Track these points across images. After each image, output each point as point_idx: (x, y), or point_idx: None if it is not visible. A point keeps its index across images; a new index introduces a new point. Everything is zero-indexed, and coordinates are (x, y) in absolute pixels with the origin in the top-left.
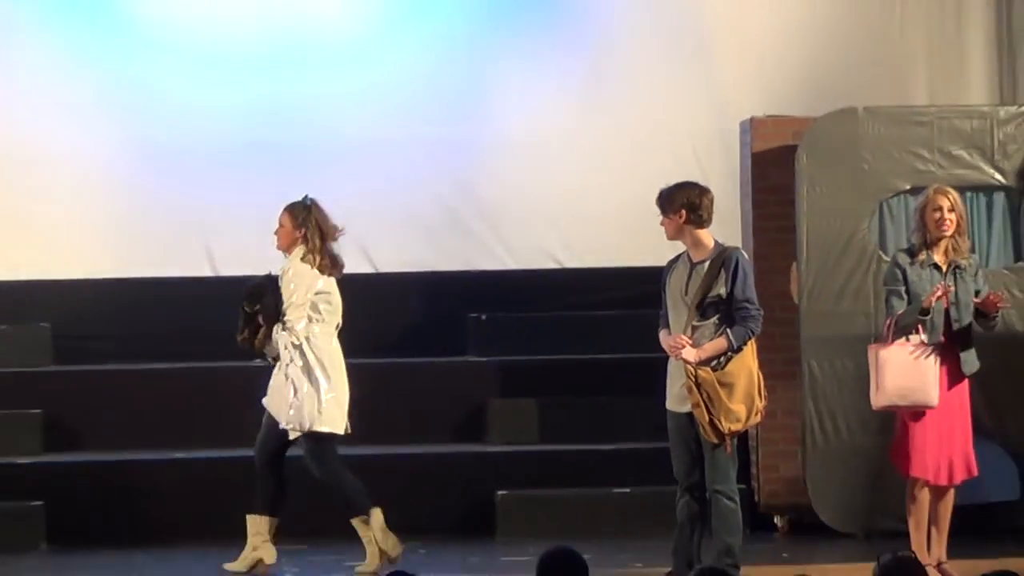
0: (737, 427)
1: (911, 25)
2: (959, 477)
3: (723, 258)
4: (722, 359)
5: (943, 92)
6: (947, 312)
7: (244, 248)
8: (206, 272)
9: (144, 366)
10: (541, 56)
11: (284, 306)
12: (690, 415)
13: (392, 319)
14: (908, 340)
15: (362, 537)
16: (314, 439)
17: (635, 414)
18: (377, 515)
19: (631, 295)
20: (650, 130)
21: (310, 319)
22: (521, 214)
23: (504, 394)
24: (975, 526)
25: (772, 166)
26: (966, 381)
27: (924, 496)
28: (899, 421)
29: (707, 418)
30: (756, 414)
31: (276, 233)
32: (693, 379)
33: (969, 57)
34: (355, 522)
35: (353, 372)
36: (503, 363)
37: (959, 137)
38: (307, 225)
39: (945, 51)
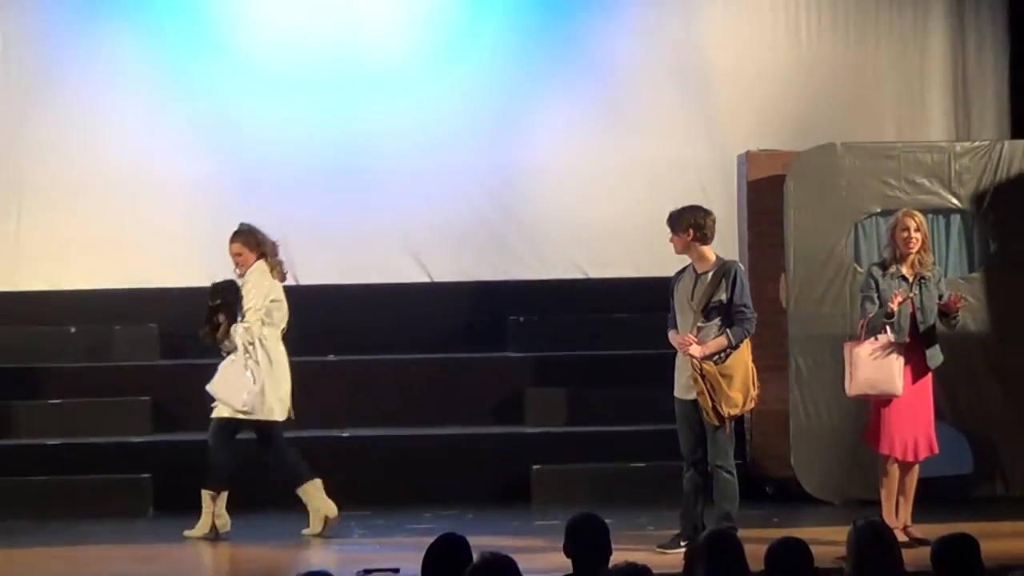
0: (735, 412)
1: (881, 72)
2: (923, 454)
3: (724, 270)
4: (722, 355)
5: (908, 130)
6: (913, 316)
7: (321, 259)
8: (288, 281)
9: None
10: (567, 95)
11: (244, 309)
12: (695, 402)
13: (444, 321)
14: (877, 339)
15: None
16: (266, 424)
17: (648, 401)
18: (318, 484)
19: (645, 301)
20: (661, 160)
21: (263, 322)
22: (552, 231)
23: (538, 384)
24: (936, 496)
25: (764, 192)
26: (930, 373)
27: (894, 470)
28: (872, 407)
29: (710, 404)
30: (751, 401)
31: (236, 259)
32: (698, 371)
33: (930, 100)
34: (299, 491)
35: (411, 366)
36: (537, 358)
37: (922, 168)
38: (261, 246)
39: (910, 95)
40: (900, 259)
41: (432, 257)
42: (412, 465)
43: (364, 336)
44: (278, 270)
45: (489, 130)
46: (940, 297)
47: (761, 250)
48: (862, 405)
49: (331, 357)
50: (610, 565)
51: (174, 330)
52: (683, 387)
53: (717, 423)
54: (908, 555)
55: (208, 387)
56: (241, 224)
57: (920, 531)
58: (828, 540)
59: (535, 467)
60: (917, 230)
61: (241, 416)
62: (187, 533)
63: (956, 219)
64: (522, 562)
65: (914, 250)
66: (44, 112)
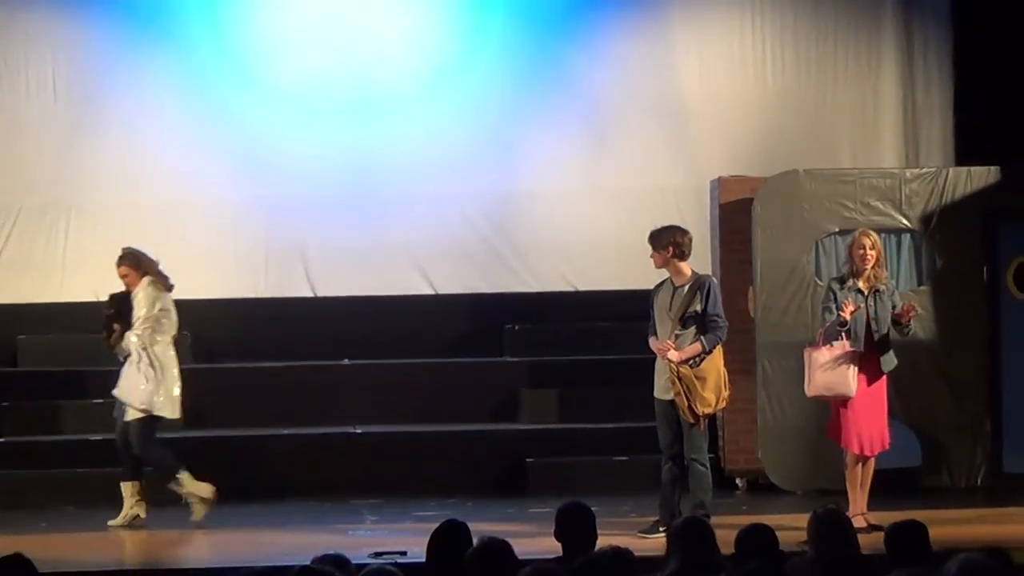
0: (708, 411)
1: (839, 106)
2: (876, 449)
3: (699, 283)
4: (697, 359)
5: (863, 157)
6: (868, 325)
7: (336, 273)
8: (307, 293)
9: (258, 364)
10: (557, 127)
11: (135, 318)
12: (672, 401)
13: (447, 329)
14: (833, 346)
15: (180, 493)
16: (148, 420)
17: (631, 401)
18: (186, 475)
19: (627, 311)
20: (641, 185)
21: (154, 330)
22: (544, 249)
23: (532, 385)
24: (888, 486)
25: (735, 213)
26: (884, 377)
27: (853, 463)
28: (832, 406)
29: (686, 404)
30: (722, 401)
31: (124, 280)
32: (675, 374)
33: (883, 130)
34: (171, 485)
35: (417, 370)
36: (531, 362)
37: (875, 192)
38: (142, 266)
39: (865, 126)
40: (857, 274)
41: (436, 272)
42: (418, 458)
43: (375, 342)
44: (162, 283)
45: (487, 158)
46: (894, 307)
47: (732, 266)
48: (822, 405)
49: (346, 361)
50: (596, 548)
51: (204, 337)
52: (662, 388)
53: (692, 421)
54: (863, 540)
55: (114, 392)
56: (123, 249)
57: (874, 518)
58: (792, 526)
59: (529, 460)
60: (872, 248)
61: (155, 414)
62: (111, 523)
63: (906, 238)
64: (517, 546)
65: (869, 266)
66: (90, 140)
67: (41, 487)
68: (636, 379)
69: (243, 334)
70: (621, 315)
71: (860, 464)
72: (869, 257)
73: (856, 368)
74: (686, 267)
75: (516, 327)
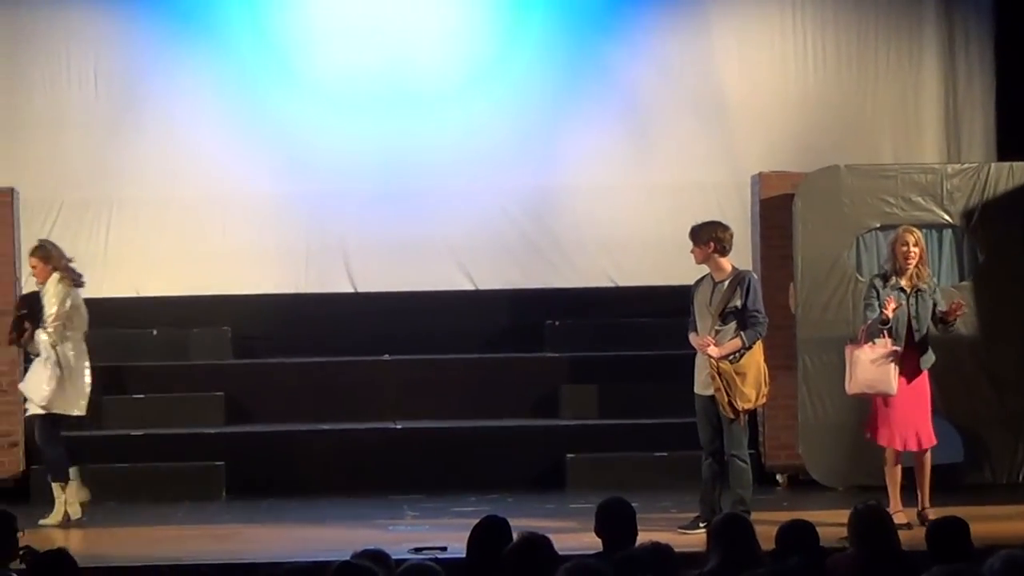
0: (748, 406)
1: (880, 101)
2: (925, 445)
3: (739, 278)
4: (737, 355)
5: (904, 153)
6: (910, 324)
7: (377, 269)
8: (347, 288)
9: (298, 359)
10: (598, 122)
11: (45, 316)
12: (712, 397)
13: (487, 324)
14: (875, 343)
15: (56, 497)
16: (50, 418)
17: (671, 396)
18: (72, 485)
19: (668, 306)
20: (682, 180)
21: (64, 327)
22: (584, 244)
23: (573, 381)
24: (931, 483)
25: (775, 209)
26: (925, 373)
27: (893, 460)
28: (872, 404)
29: (726, 399)
30: (763, 397)
31: (33, 271)
32: (715, 370)
33: (924, 126)
34: (54, 485)
35: (457, 365)
36: (572, 358)
37: (916, 187)
38: (51, 260)
39: (906, 122)
40: (899, 272)
41: (476, 267)
42: (458, 454)
43: (415, 338)
44: (71, 279)
45: (527, 153)
46: (935, 305)
47: (773, 261)
48: (863, 401)
49: (386, 357)
50: (636, 544)
51: (245, 332)
52: (702, 384)
53: (732, 416)
54: (906, 536)
55: (20, 385)
56: (39, 240)
57: (934, 514)
58: (833, 522)
59: (569, 456)
60: (915, 245)
61: (57, 412)
62: (42, 522)
63: (948, 233)
64: (557, 541)
65: (912, 264)
66: (131, 135)
67: (83, 482)
68: (676, 375)
69: (283, 329)
70: (661, 310)
71: (913, 461)
72: (912, 255)
73: (897, 366)
74: (727, 262)
75: (556, 322)
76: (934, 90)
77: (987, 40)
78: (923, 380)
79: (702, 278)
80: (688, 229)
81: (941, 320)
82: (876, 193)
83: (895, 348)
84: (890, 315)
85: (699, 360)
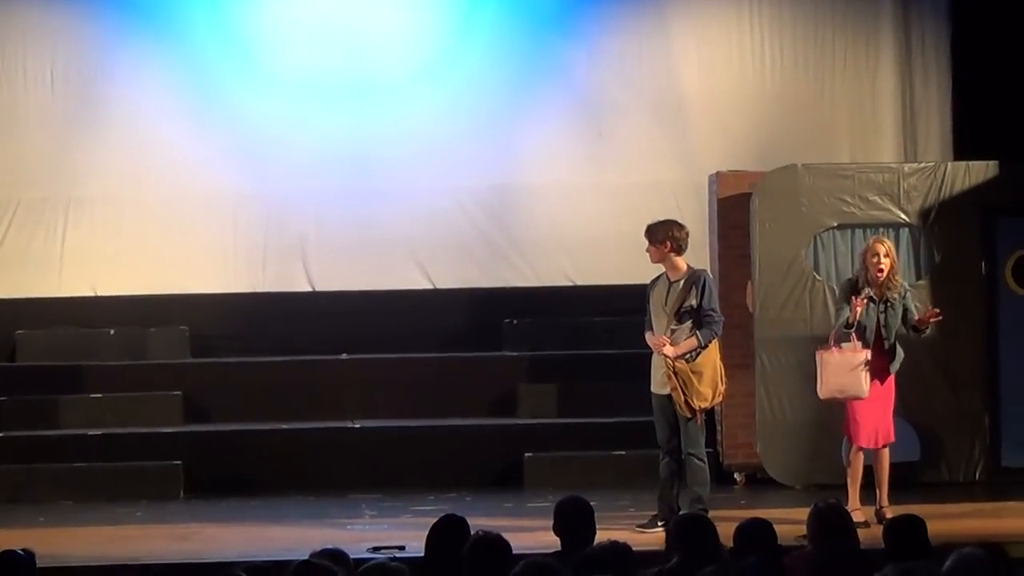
0: (705, 405)
1: (838, 100)
2: (882, 442)
3: (694, 278)
4: (693, 354)
5: (862, 152)
6: (879, 332)
7: (336, 268)
8: (305, 288)
9: (256, 359)
10: (557, 122)
11: None
12: (669, 396)
13: (446, 323)
14: (843, 348)
15: None
16: None
17: (629, 395)
18: None
19: (625, 306)
20: (640, 180)
21: None
22: (543, 244)
23: (530, 380)
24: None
25: (733, 208)
26: (893, 376)
27: (858, 460)
28: (847, 407)
29: (682, 398)
30: (719, 395)
31: None
32: (672, 369)
33: (881, 126)
34: None
35: (416, 364)
36: (530, 357)
37: (874, 187)
38: None
39: (863, 121)
40: (870, 282)
41: (435, 266)
42: (416, 453)
43: (374, 337)
44: None
45: (486, 153)
46: (907, 312)
47: (730, 260)
48: (823, 401)
49: (344, 356)
50: (594, 543)
51: (203, 331)
52: (658, 383)
53: (689, 415)
54: (864, 534)
55: None
56: None
57: (867, 515)
58: (790, 520)
59: (527, 455)
60: (887, 256)
61: None
62: None
63: (905, 233)
64: (516, 540)
65: (883, 274)
66: (88, 133)
67: (39, 482)
68: (634, 374)
69: (242, 329)
70: (619, 310)
71: (872, 458)
72: (883, 265)
73: (867, 370)
74: (682, 262)
75: (515, 321)
76: (891, 90)
77: (943, 40)
78: (890, 381)
79: (657, 277)
80: (645, 228)
81: (914, 328)
82: (833, 192)
83: (864, 351)
84: (854, 319)
85: (655, 359)
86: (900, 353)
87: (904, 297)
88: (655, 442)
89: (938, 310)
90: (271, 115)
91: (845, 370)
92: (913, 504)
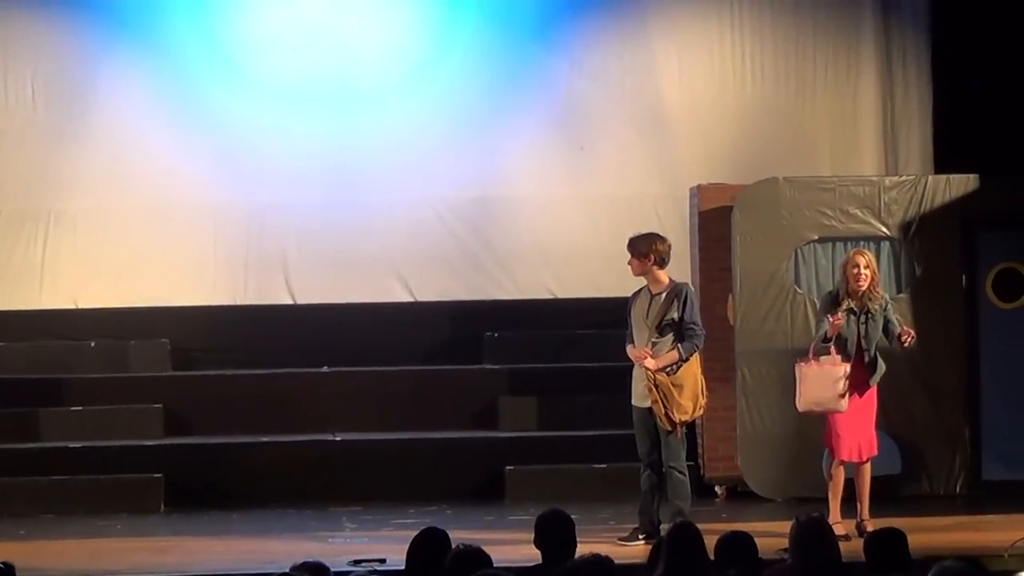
0: (685, 418)
1: (819, 114)
2: (865, 455)
3: (676, 291)
4: (674, 367)
5: (842, 165)
6: (860, 344)
7: (316, 280)
8: (286, 300)
9: (237, 371)
10: (537, 134)
11: None
12: (649, 409)
13: (426, 336)
14: (822, 361)
15: None
16: None
17: (610, 408)
18: None
19: (605, 318)
20: (621, 192)
21: None
22: (524, 256)
23: (512, 393)
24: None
25: (714, 221)
26: (874, 388)
27: (839, 473)
28: (827, 419)
29: (663, 411)
30: (700, 408)
31: None
32: (652, 382)
33: (862, 139)
34: None
35: (397, 377)
36: (510, 370)
37: (855, 200)
38: None
39: (844, 134)
40: (850, 294)
41: (416, 279)
42: (397, 466)
43: (354, 350)
44: None
45: (467, 166)
46: (887, 323)
47: (711, 273)
48: (803, 414)
49: (325, 369)
50: (575, 556)
51: (183, 344)
52: (639, 396)
53: (670, 428)
54: (845, 547)
55: None
56: None
57: (847, 528)
58: (772, 533)
59: (508, 468)
60: (867, 267)
61: None
62: None
63: (885, 245)
64: (496, 553)
65: (863, 286)
66: (69, 146)
67: (20, 495)
68: (615, 387)
69: (222, 341)
70: (600, 322)
71: (854, 472)
72: (863, 277)
73: (846, 384)
74: (664, 275)
75: (495, 334)
76: (872, 103)
77: (924, 53)
78: (871, 393)
79: (639, 290)
80: (626, 241)
81: (897, 338)
82: (814, 205)
83: (843, 365)
84: (831, 333)
85: (636, 372)
86: (882, 366)
87: (885, 309)
88: (636, 455)
89: (911, 332)
90: (252, 127)
91: (823, 383)
92: (894, 517)
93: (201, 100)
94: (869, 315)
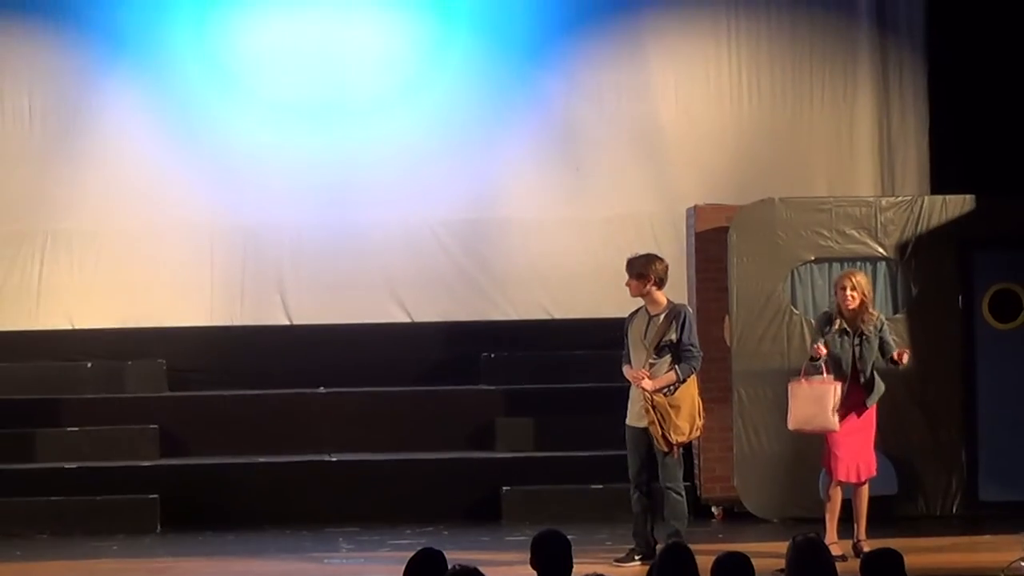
0: (682, 439)
1: (815, 134)
2: (864, 476)
3: (675, 312)
4: (671, 388)
5: (839, 186)
6: (855, 365)
7: (313, 302)
8: (282, 321)
9: (233, 392)
10: (535, 156)
11: None
12: (645, 429)
13: (423, 357)
14: (812, 380)
15: None
16: None
17: (606, 429)
18: None
19: (602, 339)
20: (618, 213)
21: None
22: (520, 277)
23: (508, 413)
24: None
25: (710, 242)
26: (873, 409)
27: (836, 494)
28: (825, 439)
29: (660, 432)
30: (697, 430)
31: None
32: (650, 403)
33: (859, 159)
34: None
35: (393, 398)
36: (507, 390)
37: (851, 220)
38: None
39: (840, 155)
40: (842, 314)
41: (412, 300)
42: (394, 486)
43: (351, 371)
44: None
45: (463, 186)
46: (883, 343)
47: (708, 294)
48: (800, 434)
49: (322, 389)
50: None
51: (180, 364)
52: (635, 416)
53: (667, 449)
54: (841, 568)
55: None
56: None
57: (844, 547)
58: (768, 553)
59: (505, 488)
60: (854, 289)
61: None
62: None
63: (882, 266)
64: (492, 574)
65: (851, 307)
66: (64, 170)
67: (15, 515)
68: (612, 407)
69: (219, 362)
70: (597, 343)
71: (851, 492)
72: (851, 299)
73: (836, 403)
74: (662, 296)
75: (492, 355)
76: (868, 124)
77: (920, 74)
78: (869, 414)
79: (636, 311)
80: (623, 262)
81: (892, 361)
82: (811, 226)
83: (834, 384)
84: (818, 355)
85: (633, 392)
86: (880, 386)
87: (880, 330)
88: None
89: (906, 351)
90: (248, 148)
91: (813, 402)
92: (890, 538)
93: (198, 121)
94: (864, 336)
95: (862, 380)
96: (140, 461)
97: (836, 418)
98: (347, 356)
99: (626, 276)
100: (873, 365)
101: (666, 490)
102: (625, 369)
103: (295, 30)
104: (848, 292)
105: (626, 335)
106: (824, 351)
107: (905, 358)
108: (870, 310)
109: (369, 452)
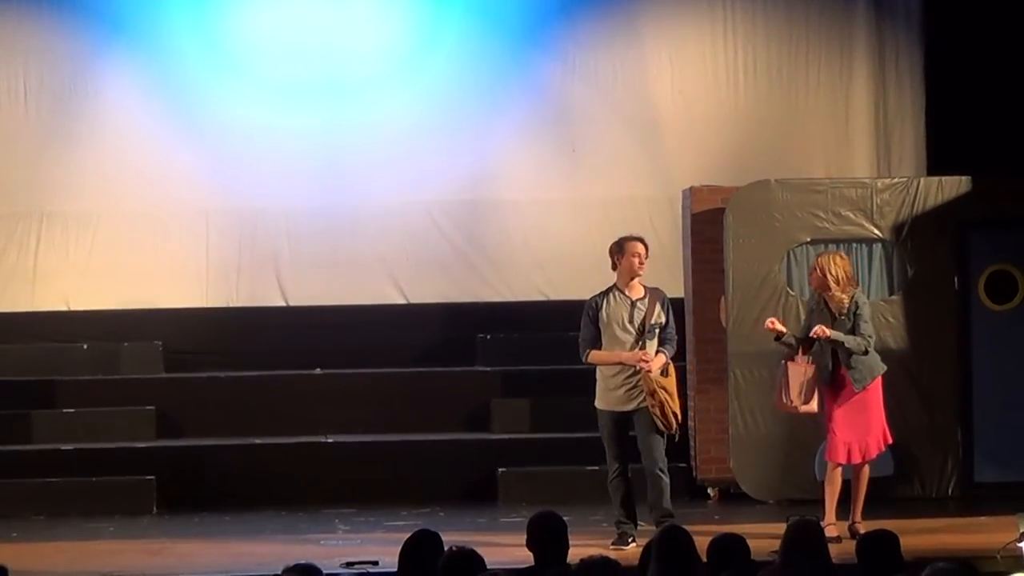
0: (679, 419)
1: (811, 116)
2: (861, 458)
3: (658, 296)
4: (664, 369)
5: (835, 167)
6: (833, 348)
7: (309, 283)
8: (279, 302)
9: (229, 373)
10: (531, 137)
11: None
12: (629, 413)
13: (419, 338)
14: (796, 360)
15: None
16: None
17: None
18: None
19: None
20: (614, 194)
21: None
22: (516, 258)
23: (504, 395)
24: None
25: (706, 224)
26: (872, 392)
27: (836, 475)
28: (827, 424)
29: (667, 412)
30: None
31: None
32: (657, 384)
33: (855, 141)
34: None
35: (389, 379)
36: (503, 372)
37: (847, 202)
38: None
39: (837, 136)
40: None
41: (408, 281)
42: (390, 467)
43: (347, 352)
44: None
45: (459, 167)
46: (855, 324)
47: (704, 275)
48: (795, 415)
49: (318, 371)
50: (569, 559)
51: (176, 346)
52: (620, 399)
53: (672, 428)
54: (837, 549)
55: None
56: None
57: (841, 529)
58: (764, 535)
59: (501, 470)
60: (817, 269)
61: None
62: None
63: (878, 248)
64: (489, 555)
65: (814, 287)
66: (60, 151)
67: (12, 497)
68: None
69: (215, 343)
70: None
71: (851, 473)
72: (814, 279)
73: (803, 384)
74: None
75: (488, 336)
76: (864, 105)
77: (917, 55)
78: (863, 396)
79: (604, 294)
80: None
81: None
82: (807, 207)
83: (805, 366)
84: (769, 327)
85: (615, 378)
86: (869, 367)
87: (857, 311)
88: (631, 457)
89: (826, 332)
90: (244, 129)
91: (794, 382)
92: (886, 519)
93: (194, 102)
94: (835, 317)
95: (842, 360)
96: (136, 442)
97: (802, 399)
98: (343, 337)
99: (646, 253)
100: (864, 347)
101: (657, 473)
102: (623, 354)
103: (291, 11)
104: (814, 273)
105: (595, 320)
106: (776, 325)
107: (817, 334)
108: (836, 292)
109: (365, 433)
